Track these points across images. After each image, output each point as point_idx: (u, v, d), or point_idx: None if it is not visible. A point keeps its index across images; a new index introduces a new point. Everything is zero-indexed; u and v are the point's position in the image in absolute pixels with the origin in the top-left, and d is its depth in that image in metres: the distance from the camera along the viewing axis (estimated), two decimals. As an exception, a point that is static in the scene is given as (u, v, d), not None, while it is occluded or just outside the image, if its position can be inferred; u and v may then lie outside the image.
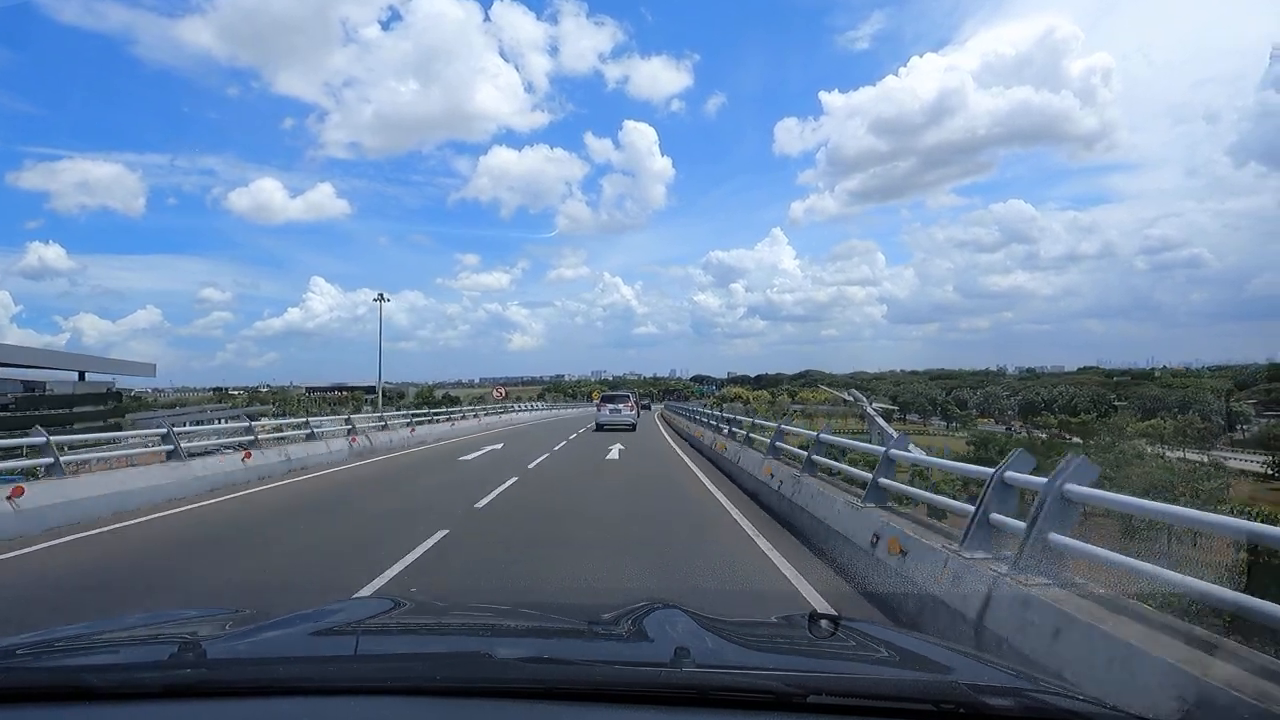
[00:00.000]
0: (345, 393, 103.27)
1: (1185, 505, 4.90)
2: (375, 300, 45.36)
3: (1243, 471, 36.76)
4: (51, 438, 8.66)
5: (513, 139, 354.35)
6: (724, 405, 59.54)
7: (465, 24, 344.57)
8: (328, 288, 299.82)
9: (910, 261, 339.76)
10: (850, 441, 10.35)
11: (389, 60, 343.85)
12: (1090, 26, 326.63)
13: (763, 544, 6.92)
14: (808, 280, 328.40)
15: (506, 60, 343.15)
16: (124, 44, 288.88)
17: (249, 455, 12.10)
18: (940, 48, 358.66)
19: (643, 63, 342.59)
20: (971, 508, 4.40)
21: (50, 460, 8.54)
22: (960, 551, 4.20)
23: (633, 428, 27.10)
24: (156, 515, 8.66)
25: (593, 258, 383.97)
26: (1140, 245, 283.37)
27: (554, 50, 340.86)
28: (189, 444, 11.31)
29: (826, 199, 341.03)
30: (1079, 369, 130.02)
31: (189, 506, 9.30)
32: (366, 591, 5.14)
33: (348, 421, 17.62)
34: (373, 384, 50.67)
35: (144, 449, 10.87)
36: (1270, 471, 38.20)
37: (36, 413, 24.53)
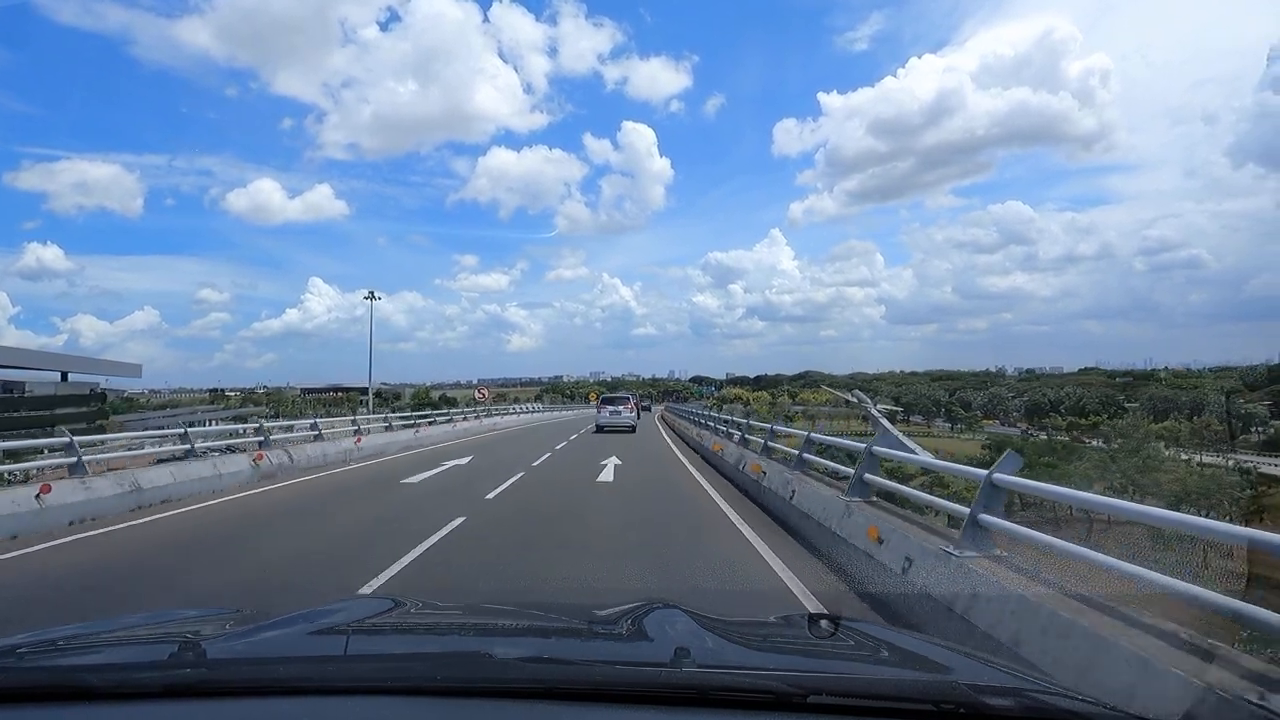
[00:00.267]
0: (341, 394, 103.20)
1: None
2: (365, 299, 44.96)
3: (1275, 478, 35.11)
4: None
5: (511, 140, 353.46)
6: (724, 406, 59.45)
7: (464, 25, 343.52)
8: (326, 288, 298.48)
9: (909, 262, 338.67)
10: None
11: (388, 61, 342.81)
12: (1089, 27, 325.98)
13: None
14: (806, 281, 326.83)
15: (505, 61, 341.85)
16: (122, 44, 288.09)
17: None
18: (939, 49, 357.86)
19: (642, 64, 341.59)
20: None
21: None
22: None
23: (633, 429, 27.09)
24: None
25: (591, 259, 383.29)
26: (1139, 246, 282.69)
27: (553, 51, 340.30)
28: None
29: (825, 200, 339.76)
30: (1079, 370, 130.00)
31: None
32: None
33: (259, 430, 13.63)
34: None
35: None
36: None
37: (15, 414, 22.77)
